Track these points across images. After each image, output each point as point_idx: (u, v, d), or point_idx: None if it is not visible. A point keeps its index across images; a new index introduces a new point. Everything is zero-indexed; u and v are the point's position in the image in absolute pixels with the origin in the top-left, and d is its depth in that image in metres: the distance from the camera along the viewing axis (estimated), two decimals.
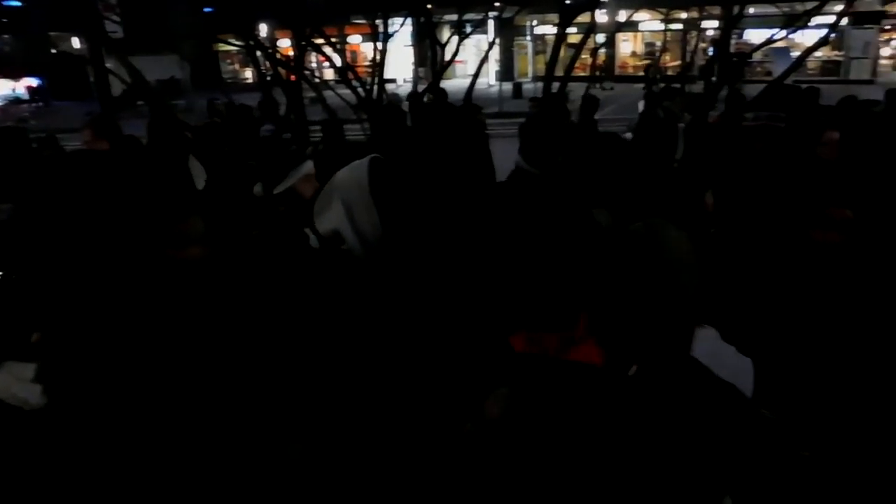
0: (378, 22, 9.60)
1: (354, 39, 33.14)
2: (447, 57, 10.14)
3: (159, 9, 13.57)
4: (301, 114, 8.87)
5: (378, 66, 9.14)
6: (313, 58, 23.98)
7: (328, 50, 9.33)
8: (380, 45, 9.22)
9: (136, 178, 3.42)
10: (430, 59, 10.34)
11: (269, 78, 9.84)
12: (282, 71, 9.09)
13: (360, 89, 8.69)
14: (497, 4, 14.04)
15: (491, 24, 18.74)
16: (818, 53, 26.89)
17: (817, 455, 1.61)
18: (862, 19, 27.13)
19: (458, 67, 32.78)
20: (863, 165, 4.18)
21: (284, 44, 21.69)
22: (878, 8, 26.96)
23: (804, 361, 2.76)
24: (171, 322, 1.83)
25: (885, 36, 29.15)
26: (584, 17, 9.49)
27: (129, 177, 3.35)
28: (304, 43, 8.67)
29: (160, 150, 4.54)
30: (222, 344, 1.81)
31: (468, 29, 11.08)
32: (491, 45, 11.54)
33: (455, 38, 10.03)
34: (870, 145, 4.62)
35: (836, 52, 28.15)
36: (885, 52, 29.11)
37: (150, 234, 2.03)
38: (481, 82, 11.39)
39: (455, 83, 23.70)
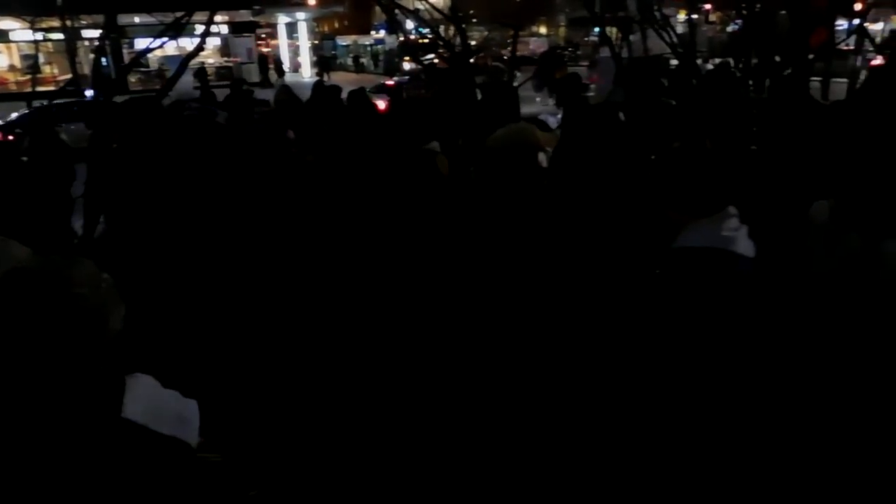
0: None
1: None
2: None
3: None
4: None
5: None
6: None
7: None
8: None
9: None
10: None
11: None
12: None
13: None
14: None
15: None
16: (211, 60, 28.39)
17: (264, 493, 1.64)
18: (240, 28, 29.75)
19: None
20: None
21: None
22: (252, 19, 29.98)
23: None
24: None
25: (262, 44, 32.67)
26: None
27: None
28: None
29: None
30: None
31: None
32: None
33: None
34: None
35: (227, 59, 30.36)
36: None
37: None
38: None
39: None
